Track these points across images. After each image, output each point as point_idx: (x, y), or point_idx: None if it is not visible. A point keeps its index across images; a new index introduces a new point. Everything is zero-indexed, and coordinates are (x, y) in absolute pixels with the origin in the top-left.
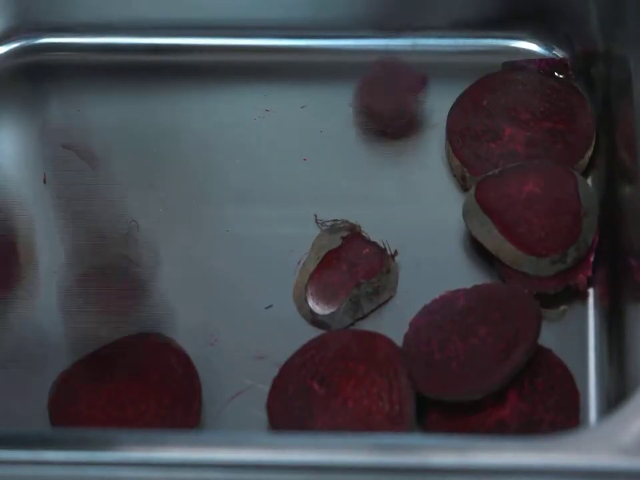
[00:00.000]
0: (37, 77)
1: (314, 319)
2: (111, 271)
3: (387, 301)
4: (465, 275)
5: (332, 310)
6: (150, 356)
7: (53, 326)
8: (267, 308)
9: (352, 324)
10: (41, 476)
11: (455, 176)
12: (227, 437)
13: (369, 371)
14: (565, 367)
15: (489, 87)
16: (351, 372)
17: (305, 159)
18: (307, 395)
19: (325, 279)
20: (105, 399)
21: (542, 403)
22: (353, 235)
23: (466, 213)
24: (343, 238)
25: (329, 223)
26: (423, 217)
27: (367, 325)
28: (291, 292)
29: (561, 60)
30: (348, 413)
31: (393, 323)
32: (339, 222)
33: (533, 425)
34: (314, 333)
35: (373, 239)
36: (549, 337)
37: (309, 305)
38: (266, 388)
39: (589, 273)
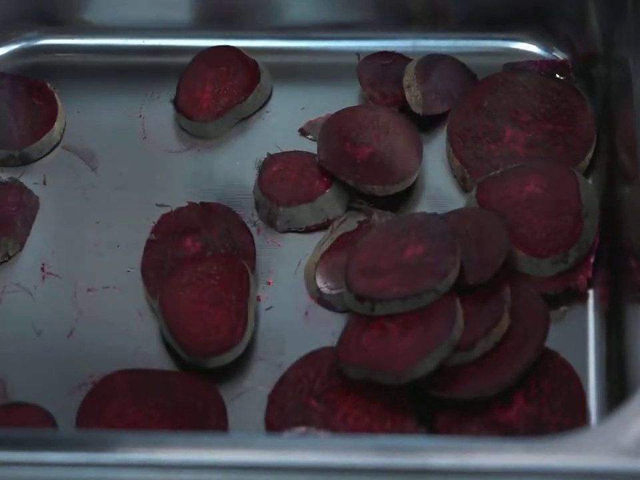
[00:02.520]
0: (38, 78)
1: (320, 299)
2: None
3: None
4: None
5: (338, 291)
6: (188, 396)
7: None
8: (267, 309)
9: None
10: (41, 477)
11: (455, 177)
12: (228, 438)
13: (366, 387)
14: (571, 368)
15: (489, 88)
16: (349, 387)
17: None
18: (305, 412)
19: (335, 260)
20: (132, 418)
21: (548, 405)
22: (371, 220)
23: None
24: (360, 222)
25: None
26: None
27: None
28: (290, 293)
29: (562, 61)
30: (348, 430)
31: None
32: (362, 205)
33: (540, 427)
34: (314, 334)
35: None
36: (550, 337)
37: (316, 284)
38: (266, 390)
39: (589, 274)
